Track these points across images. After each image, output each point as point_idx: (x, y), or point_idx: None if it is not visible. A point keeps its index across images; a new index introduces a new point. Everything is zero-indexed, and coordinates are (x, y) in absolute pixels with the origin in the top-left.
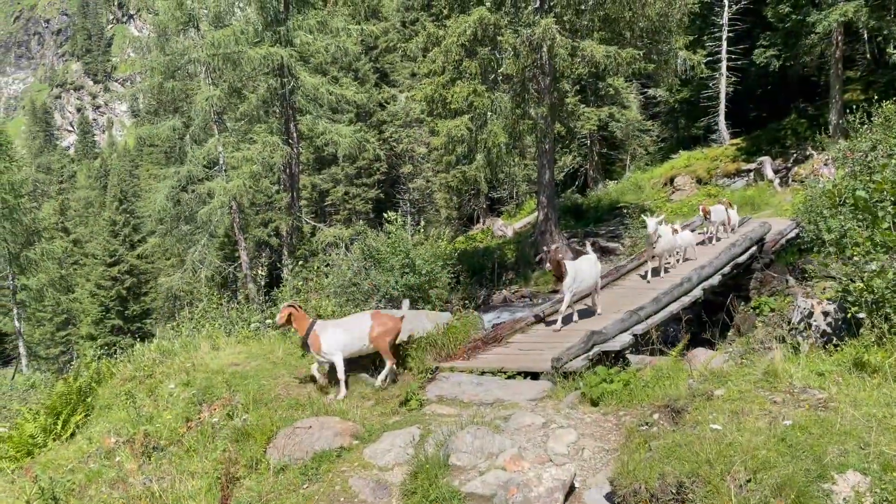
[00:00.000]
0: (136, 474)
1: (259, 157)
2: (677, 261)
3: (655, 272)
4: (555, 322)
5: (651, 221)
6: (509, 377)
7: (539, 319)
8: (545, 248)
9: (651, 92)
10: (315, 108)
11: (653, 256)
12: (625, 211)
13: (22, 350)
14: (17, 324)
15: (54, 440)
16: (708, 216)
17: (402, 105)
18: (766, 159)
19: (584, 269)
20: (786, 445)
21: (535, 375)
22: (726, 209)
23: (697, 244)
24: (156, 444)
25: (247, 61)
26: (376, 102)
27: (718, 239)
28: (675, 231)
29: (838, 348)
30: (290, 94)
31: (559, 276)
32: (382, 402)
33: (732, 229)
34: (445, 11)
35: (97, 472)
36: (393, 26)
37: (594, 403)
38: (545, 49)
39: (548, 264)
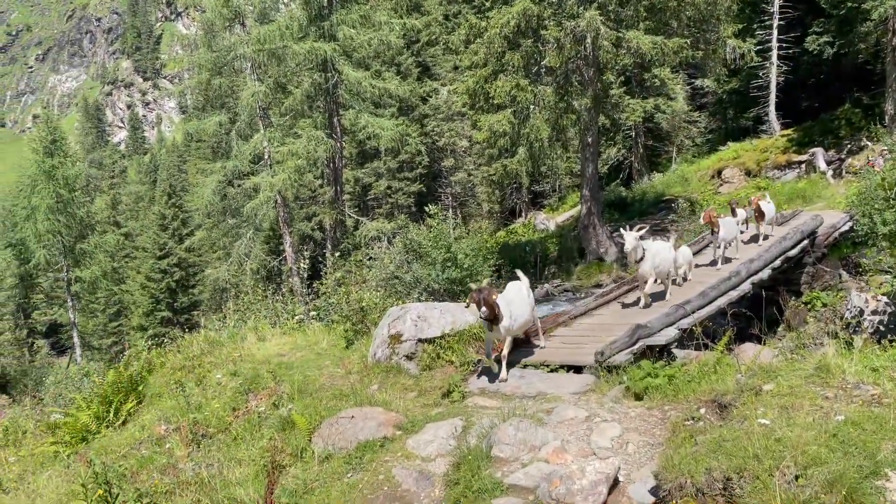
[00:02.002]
0: (185, 461)
1: (303, 152)
2: (675, 282)
3: (644, 298)
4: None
5: (629, 236)
6: (552, 370)
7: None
8: (474, 289)
9: (698, 82)
10: (358, 102)
11: (642, 279)
12: (671, 204)
13: (76, 340)
14: (71, 315)
15: (107, 427)
16: (715, 229)
17: (444, 98)
18: (819, 150)
19: (515, 301)
20: (837, 441)
21: (577, 369)
22: (763, 205)
23: (705, 265)
24: (204, 432)
25: (291, 56)
26: (418, 96)
27: (727, 260)
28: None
29: (893, 344)
30: (334, 89)
31: (494, 319)
32: (425, 393)
33: (763, 236)
34: (488, 3)
35: (148, 459)
36: (435, 20)
37: (638, 398)
38: (589, 41)
39: (484, 308)
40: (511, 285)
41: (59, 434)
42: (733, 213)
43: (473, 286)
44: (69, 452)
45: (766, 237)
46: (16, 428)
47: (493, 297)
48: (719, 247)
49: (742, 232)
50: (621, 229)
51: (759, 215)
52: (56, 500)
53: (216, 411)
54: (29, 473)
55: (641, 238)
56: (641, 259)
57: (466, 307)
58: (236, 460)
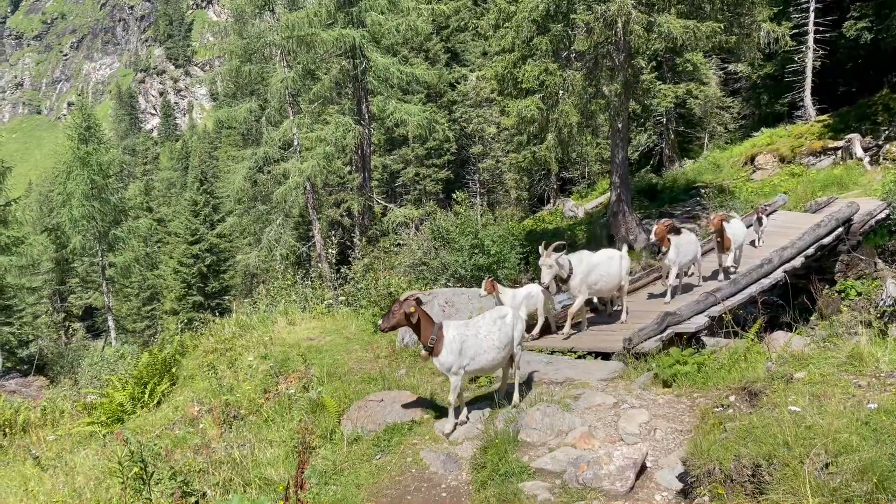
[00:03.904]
0: (218, 441)
1: (332, 138)
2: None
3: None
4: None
5: (543, 263)
6: (579, 357)
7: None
8: (399, 302)
9: (731, 67)
10: (386, 88)
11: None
12: (702, 191)
13: (111, 324)
14: (106, 299)
15: (142, 408)
16: (664, 248)
17: (473, 85)
18: (855, 136)
19: (482, 333)
20: (870, 429)
21: (605, 356)
22: (727, 226)
23: (658, 295)
24: (236, 414)
25: (320, 43)
26: (447, 82)
27: (687, 289)
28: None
29: None
30: (362, 75)
31: (431, 348)
32: None
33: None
34: None
35: (182, 438)
36: (464, 5)
37: (667, 385)
38: (620, 25)
39: (388, 318)
40: (494, 311)
41: (95, 414)
42: (759, 222)
43: (400, 302)
44: (105, 432)
45: (826, 204)
46: (53, 408)
47: (411, 310)
48: (670, 274)
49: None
50: (540, 248)
51: (722, 242)
52: (93, 478)
53: (247, 393)
54: (66, 452)
55: (570, 252)
56: (569, 276)
57: (382, 330)
58: (267, 441)
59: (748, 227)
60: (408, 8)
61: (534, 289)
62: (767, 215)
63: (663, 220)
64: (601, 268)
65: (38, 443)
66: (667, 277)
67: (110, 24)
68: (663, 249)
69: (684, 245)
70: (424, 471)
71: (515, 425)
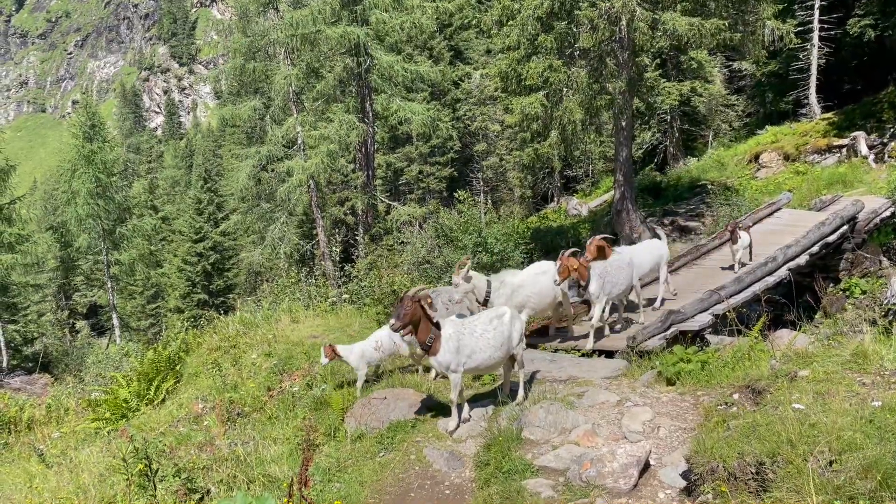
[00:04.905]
0: (221, 438)
1: (336, 136)
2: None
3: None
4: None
5: (455, 280)
6: (583, 355)
7: None
8: (409, 297)
9: (736, 65)
10: (390, 86)
11: None
12: (707, 187)
13: (115, 321)
14: (110, 297)
15: (146, 405)
16: (582, 282)
17: (477, 83)
18: (861, 134)
19: (478, 331)
20: (874, 427)
21: (609, 354)
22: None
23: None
24: (240, 411)
25: (324, 41)
26: (451, 80)
27: (609, 330)
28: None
29: None
30: (366, 73)
31: (428, 347)
32: None
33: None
34: None
35: (186, 435)
36: (468, 2)
37: (671, 383)
38: (624, 22)
39: (393, 321)
40: (494, 309)
41: (99, 411)
42: (733, 240)
43: (406, 297)
44: (109, 429)
45: (831, 202)
46: (58, 405)
47: (413, 305)
48: (593, 311)
49: (742, 264)
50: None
51: (602, 250)
52: (97, 475)
53: (251, 391)
54: (71, 449)
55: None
56: (486, 299)
57: (394, 329)
58: (271, 438)
59: (721, 244)
60: (412, 6)
61: (382, 333)
62: (748, 228)
63: (566, 252)
64: (527, 288)
65: (42, 440)
66: (589, 317)
67: (114, 22)
68: (581, 283)
69: (613, 272)
70: (428, 468)
71: (519, 423)
